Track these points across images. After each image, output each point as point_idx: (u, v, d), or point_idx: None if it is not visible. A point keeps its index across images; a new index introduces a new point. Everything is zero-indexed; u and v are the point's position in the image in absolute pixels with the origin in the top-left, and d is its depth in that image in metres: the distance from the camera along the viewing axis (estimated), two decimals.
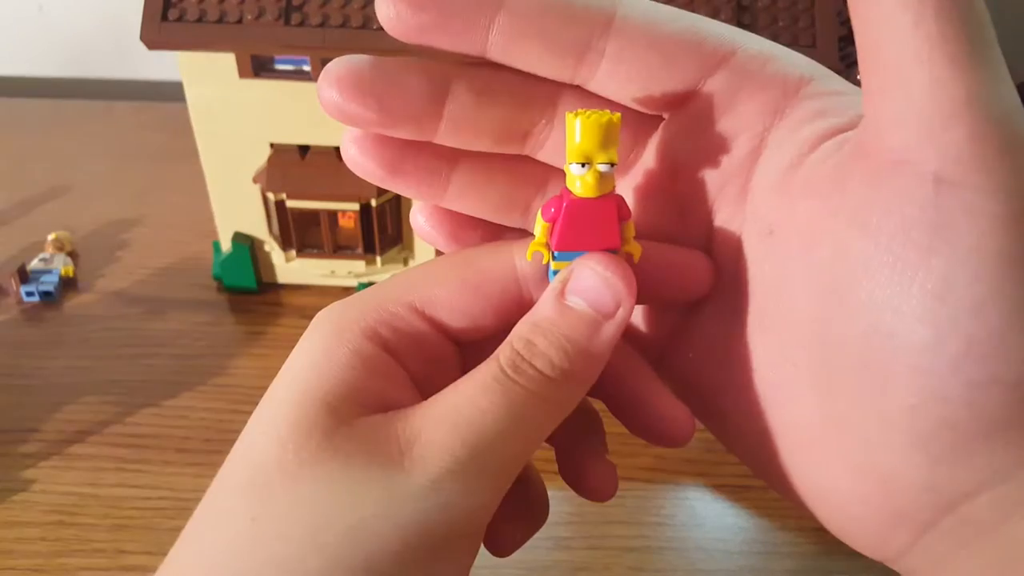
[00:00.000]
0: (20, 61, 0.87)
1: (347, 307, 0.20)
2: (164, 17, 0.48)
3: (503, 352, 0.19)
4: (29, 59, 0.87)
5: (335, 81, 0.19)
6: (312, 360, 0.19)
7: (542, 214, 0.20)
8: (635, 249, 0.20)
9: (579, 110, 0.19)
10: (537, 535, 0.49)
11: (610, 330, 0.19)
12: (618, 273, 0.19)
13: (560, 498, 0.48)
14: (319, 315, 0.20)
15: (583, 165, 0.19)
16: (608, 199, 0.19)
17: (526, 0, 0.18)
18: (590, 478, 0.22)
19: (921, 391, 0.16)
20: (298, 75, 0.51)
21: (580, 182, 0.19)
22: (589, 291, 0.19)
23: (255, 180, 0.55)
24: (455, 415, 0.18)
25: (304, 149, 0.55)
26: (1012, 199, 0.15)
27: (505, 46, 0.19)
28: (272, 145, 0.54)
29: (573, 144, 0.19)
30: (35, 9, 0.83)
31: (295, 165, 0.54)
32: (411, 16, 0.18)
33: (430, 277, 0.20)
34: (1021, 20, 0.68)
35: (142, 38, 0.48)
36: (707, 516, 0.47)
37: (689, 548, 0.46)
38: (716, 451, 0.50)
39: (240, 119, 0.53)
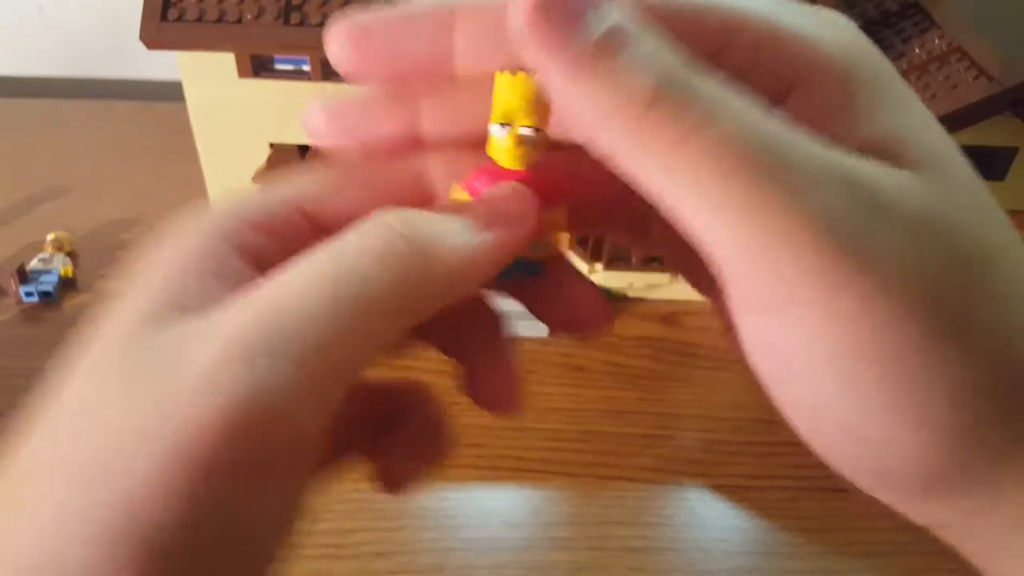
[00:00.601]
0: (19, 61, 0.87)
1: (221, 210, 0.18)
2: (163, 17, 0.48)
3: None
4: (28, 59, 0.87)
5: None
6: (157, 265, 0.17)
7: (462, 185, 0.18)
8: (550, 246, 0.18)
9: (510, 70, 0.17)
10: (537, 535, 0.49)
11: (470, 243, 0.17)
12: (509, 193, 0.17)
13: (560, 498, 0.48)
14: (190, 214, 0.18)
15: (504, 126, 0.17)
16: (532, 172, 0.18)
17: (477, 26, 0.17)
18: (487, 387, 0.20)
19: (843, 462, 0.17)
20: (298, 75, 0.51)
21: (499, 147, 0.17)
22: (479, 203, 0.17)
23: (254, 180, 0.55)
24: (260, 294, 0.15)
25: (304, 149, 0.54)
26: (831, 322, 0.15)
27: (471, 67, 0.18)
28: (271, 145, 0.54)
29: (496, 103, 0.17)
30: (35, 9, 0.83)
31: (295, 165, 0.54)
32: (359, 65, 0.18)
33: (328, 181, 0.18)
34: (1021, 20, 0.68)
35: (141, 38, 0.48)
36: (707, 517, 0.47)
37: (689, 548, 0.46)
38: (716, 452, 0.50)
39: (239, 119, 0.53)
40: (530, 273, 0.18)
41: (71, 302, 0.59)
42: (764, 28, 0.16)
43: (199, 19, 0.48)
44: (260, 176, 0.54)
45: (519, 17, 0.14)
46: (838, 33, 0.17)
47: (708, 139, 0.14)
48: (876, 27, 0.56)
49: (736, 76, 0.16)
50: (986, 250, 0.15)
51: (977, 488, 0.16)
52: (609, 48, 0.14)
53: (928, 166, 0.15)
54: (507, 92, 0.17)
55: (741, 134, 0.14)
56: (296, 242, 0.17)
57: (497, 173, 0.18)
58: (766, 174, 0.14)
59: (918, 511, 0.17)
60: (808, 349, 0.15)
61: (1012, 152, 0.50)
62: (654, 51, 0.15)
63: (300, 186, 0.18)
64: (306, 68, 0.51)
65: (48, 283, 0.59)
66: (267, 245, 0.17)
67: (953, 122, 0.47)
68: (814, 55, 0.16)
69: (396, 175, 0.19)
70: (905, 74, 0.51)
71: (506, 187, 0.17)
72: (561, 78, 0.15)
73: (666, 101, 0.14)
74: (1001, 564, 0.17)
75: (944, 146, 0.16)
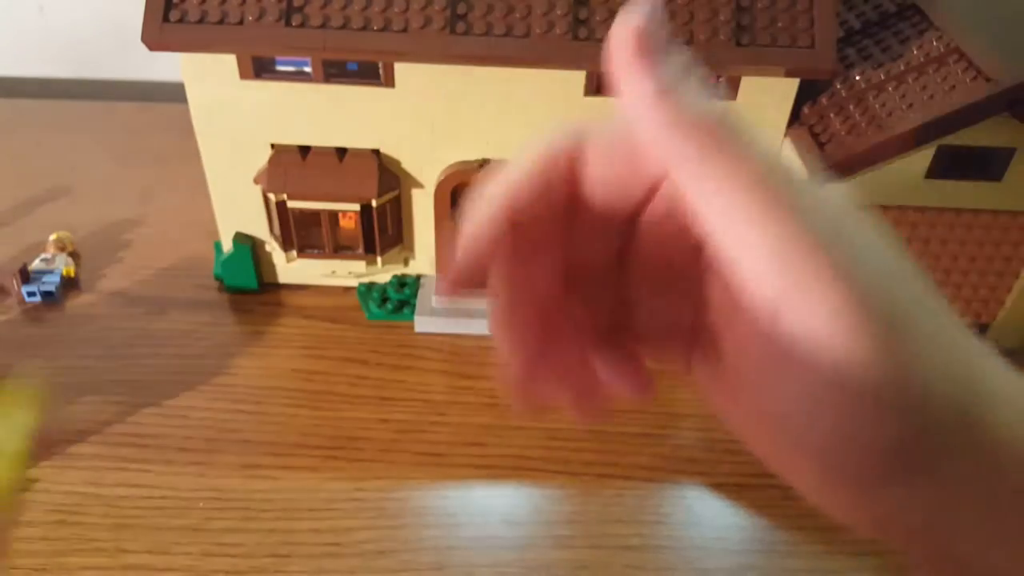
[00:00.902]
0: (21, 62, 0.87)
1: None
2: (165, 18, 0.48)
3: None
4: (30, 60, 0.87)
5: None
6: None
7: None
8: None
9: None
10: (537, 533, 0.49)
11: None
12: None
13: (560, 497, 0.48)
14: None
15: None
16: None
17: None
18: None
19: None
20: (299, 76, 0.52)
21: None
22: None
23: (256, 181, 0.55)
24: None
25: (305, 150, 0.55)
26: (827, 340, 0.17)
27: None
28: (273, 146, 0.55)
29: None
30: (35, 10, 0.83)
31: (296, 166, 0.54)
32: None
33: None
34: (1019, 21, 0.68)
35: (143, 39, 0.49)
36: (705, 515, 0.47)
37: (687, 547, 0.46)
38: (715, 450, 0.51)
39: (241, 120, 0.53)
40: None
41: (73, 302, 0.60)
42: None
43: (201, 20, 0.49)
44: (261, 177, 0.55)
45: (622, 34, 0.18)
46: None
47: (750, 169, 0.17)
48: (874, 28, 0.56)
49: (674, 192, 0.19)
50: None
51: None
52: (683, 79, 0.18)
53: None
54: None
55: (768, 170, 0.18)
56: None
57: None
58: (783, 207, 0.17)
59: (871, 497, 0.19)
60: (803, 350, 0.17)
61: (1010, 152, 0.50)
62: (707, 91, 0.18)
63: None
64: (307, 69, 0.51)
65: (50, 283, 0.59)
66: None
67: (951, 123, 0.47)
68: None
69: None
70: (903, 75, 0.51)
71: None
72: (648, 98, 0.18)
73: (726, 126, 0.18)
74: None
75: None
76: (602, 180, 0.21)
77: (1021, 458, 0.18)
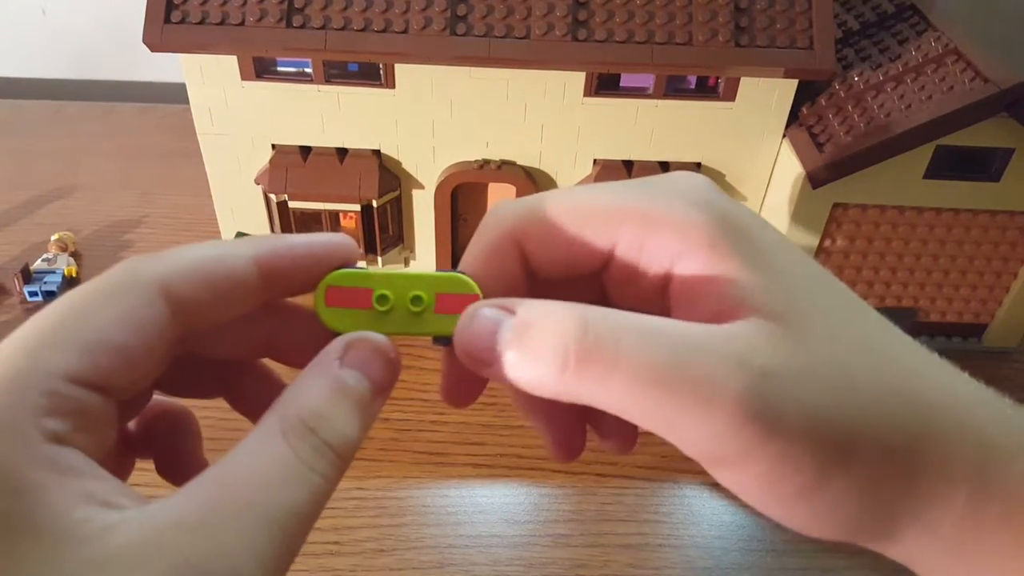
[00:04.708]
0: (24, 63, 0.88)
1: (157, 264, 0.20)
2: (167, 19, 0.49)
3: (299, 446, 0.19)
4: (33, 61, 0.87)
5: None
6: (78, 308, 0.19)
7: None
8: None
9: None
10: (537, 532, 0.49)
11: (380, 402, 0.21)
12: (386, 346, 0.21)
13: (559, 495, 0.48)
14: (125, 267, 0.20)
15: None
16: None
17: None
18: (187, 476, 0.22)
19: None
20: (300, 77, 0.52)
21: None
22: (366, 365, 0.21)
23: (257, 181, 0.56)
24: (266, 513, 0.18)
25: (306, 150, 0.55)
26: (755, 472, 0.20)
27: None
28: (274, 146, 0.55)
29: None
30: (38, 12, 0.84)
31: (297, 166, 0.54)
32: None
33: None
34: (1017, 22, 0.68)
35: (145, 40, 0.49)
36: (705, 514, 0.48)
37: (687, 545, 0.46)
38: None
39: (242, 121, 0.54)
40: (446, 344, 0.23)
41: None
42: (639, 223, 0.21)
43: (202, 22, 0.49)
44: (262, 177, 0.55)
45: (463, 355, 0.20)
46: (698, 205, 0.20)
47: (623, 377, 0.18)
48: (873, 29, 0.56)
49: (629, 260, 0.21)
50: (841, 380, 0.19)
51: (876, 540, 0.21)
52: (518, 340, 0.19)
53: (785, 317, 0.19)
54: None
55: (646, 363, 0.18)
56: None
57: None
58: (673, 385, 0.18)
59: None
60: (748, 485, 0.20)
61: (1008, 153, 0.50)
62: (556, 322, 0.19)
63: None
64: (308, 70, 0.52)
65: (52, 283, 0.59)
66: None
67: (949, 123, 0.48)
68: (685, 234, 0.20)
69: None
70: (901, 76, 0.51)
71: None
72: (505, 374, 0.19)
73: (579, 356, 0.18)
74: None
75: (798, 287, 0.20)
76: (548, 258, 0.22)
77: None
